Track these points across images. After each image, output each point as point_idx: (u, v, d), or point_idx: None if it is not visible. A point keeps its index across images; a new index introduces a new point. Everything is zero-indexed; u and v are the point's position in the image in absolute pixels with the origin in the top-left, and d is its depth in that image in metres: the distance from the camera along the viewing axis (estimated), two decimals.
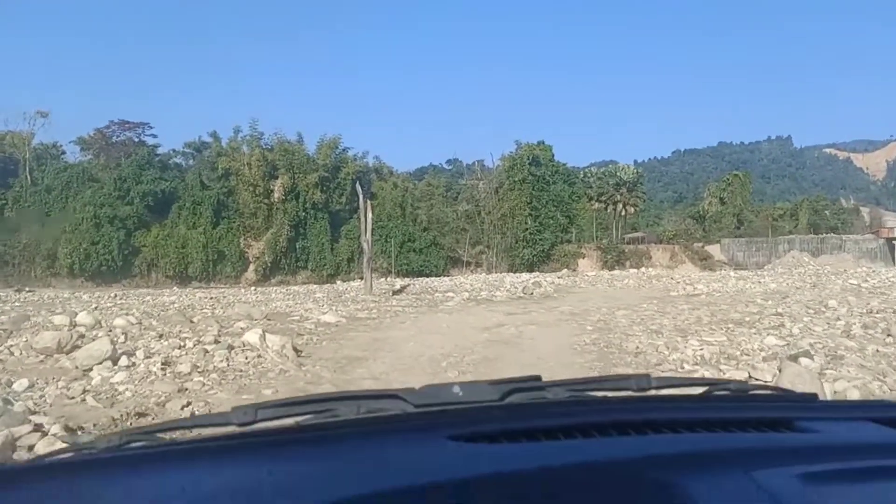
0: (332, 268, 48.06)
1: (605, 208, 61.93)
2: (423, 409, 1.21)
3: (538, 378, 1.43)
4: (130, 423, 5.00)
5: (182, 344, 8.63)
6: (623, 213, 62.45)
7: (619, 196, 62.36)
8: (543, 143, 57.15)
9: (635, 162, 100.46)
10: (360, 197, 25.92)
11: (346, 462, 0.99)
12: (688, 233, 62.22)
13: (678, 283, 27.69)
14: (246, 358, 7.85)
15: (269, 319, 13.15)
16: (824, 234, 60.22)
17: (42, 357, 7.87)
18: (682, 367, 8.07)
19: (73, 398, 5.79)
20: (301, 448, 1.05)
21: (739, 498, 0.90)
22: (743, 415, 1.26)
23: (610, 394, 1.40)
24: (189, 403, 5.74)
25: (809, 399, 1.50)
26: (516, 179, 52.36)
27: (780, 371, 7.13)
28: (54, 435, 4.36)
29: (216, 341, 8.88)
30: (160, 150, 55.81)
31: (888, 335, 9.37)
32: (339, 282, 38.60)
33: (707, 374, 7.27)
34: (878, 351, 8.35)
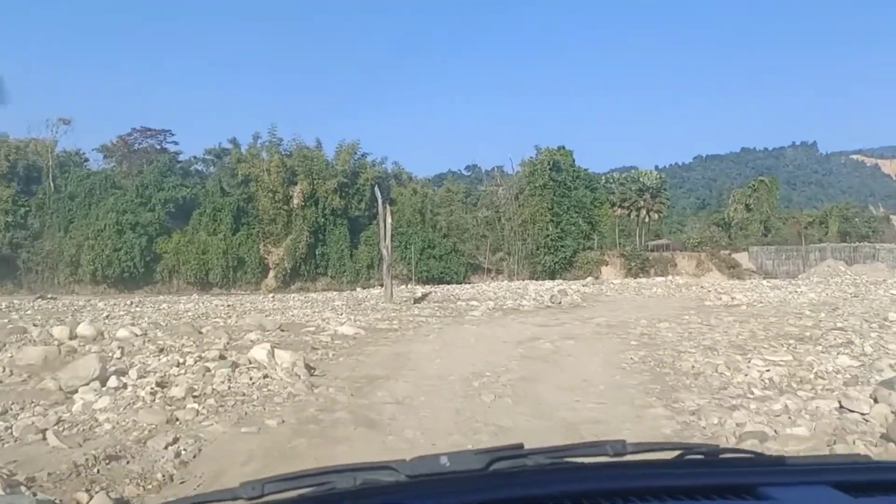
0: (351, 274, 47.58)
1: (628, 214, 60.65)
2: (414, 479, 1.27)
3: (521, 446, 1.51)
4: (98, 471, 4.06)
5: (182, 360, 7.71)
6: (646, 219, 61.11)
7: (642, 202, 61.02)
8: (564, 148, 56.11)
9: (656, 167, 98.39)
10: (379, 200, 25.02)
11: None
12: (713, 240, 60.57)
13: (709, 291, 26.64)
14: (250, 379, 6.88)
15: (282, 330, 12.23)
16: (857, 243, 58.42)
17: (26, 376, 7.01)
18: (751, 393, 7.01)
19: (40, 433, 4.84)
20: None
21: None
22: (711, 482, 1.32)
23: (587, 460, 1.43)
24: (176, 440, 4.78)
25: (778, 462, 1.55)
26: (537, 185, 51.40)
27: (875, 400, 6.07)
28: None
29: (221, 356, 7.96)
30: (181, 157, 55.93)
31: None
32: (358, 288, 37.97)
33: (789, 403, 6.20)
34: None
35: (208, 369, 7.13)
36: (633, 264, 50.01)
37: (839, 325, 12.02)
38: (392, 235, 25.07)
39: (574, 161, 56.34)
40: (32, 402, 6.01)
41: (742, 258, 56.69)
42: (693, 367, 8.20)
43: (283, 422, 5.57)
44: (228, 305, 23.38)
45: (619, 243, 55.45)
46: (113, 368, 7.06)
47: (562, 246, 50.55)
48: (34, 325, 13.63)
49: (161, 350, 8.70)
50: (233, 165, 51.05)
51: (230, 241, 47.39)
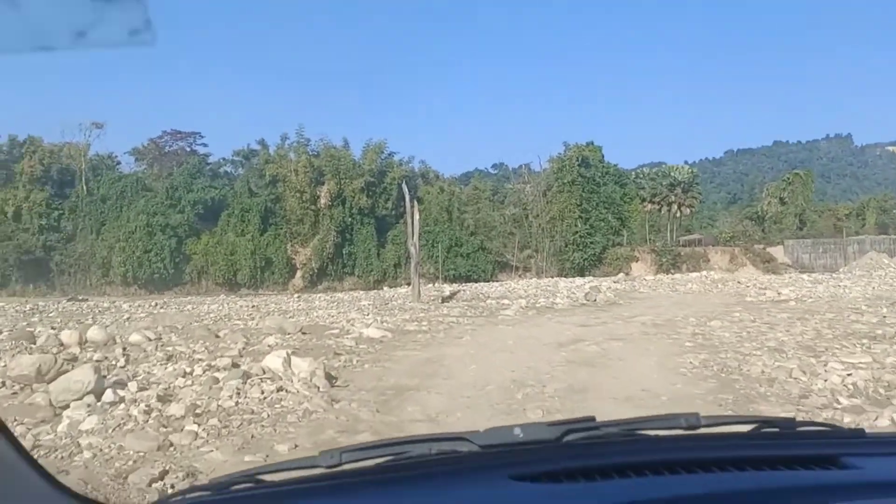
0: (378, 273, 47.14)
1: (659, 210, 59.29)
2: (487, 449, 1.26)
3: (592, 418, 1.43)
4: None
5: (190, 370, 6.94)
6: (678, 214, 59.63)
7: (673, 197, 59.59)
8: (593, 143, 54.92)
9: (686, 162, 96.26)
10: (407, 198, 24.30)
11: (421, 499, 1.10)
12: (746, 234, 58.85)
13: (748, 287, 25.58)
14: (262, 392, 6.07)
15: (303, 333, 11.46)
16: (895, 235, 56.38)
17: (17, 388, 6.31)
18: (838, 402, 6.03)
19: None
20: (382, 487, 1.15)
21: None
22: (790, 452, 1.28)
23: (661, 432, 1.39)
24: (164, 473, 3.98)
25: (857, 434, 1.50)
26: (565, 181, 50.35)
27: None
28: None
29: (234, 365, 7.19)
30: (211, 159, 56.25)
31: None
32: (385, 287, 37.39)
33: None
34: None
35: (217, 380, 6.35)
36: (664, 260, 49.12)
37: None
38: (419, 233, 24.38)
39: (603, 157, 55.33)
40: (16, 419, 5.29)
41: (777, 252, 55.08)
42: (763, 371, 7.24)
43: (296, 447, 4.73)
44: (253, 306, 22.84)
45: (650, 239, 54.28)
46: (112, 379, 6.34)
47: (591, 242, 49.54)
48: (52, 328, 13.07)
49: (169, 358, 7.97)
50: (261, 166, 50.96)
51: (258, 241, 47.30)
